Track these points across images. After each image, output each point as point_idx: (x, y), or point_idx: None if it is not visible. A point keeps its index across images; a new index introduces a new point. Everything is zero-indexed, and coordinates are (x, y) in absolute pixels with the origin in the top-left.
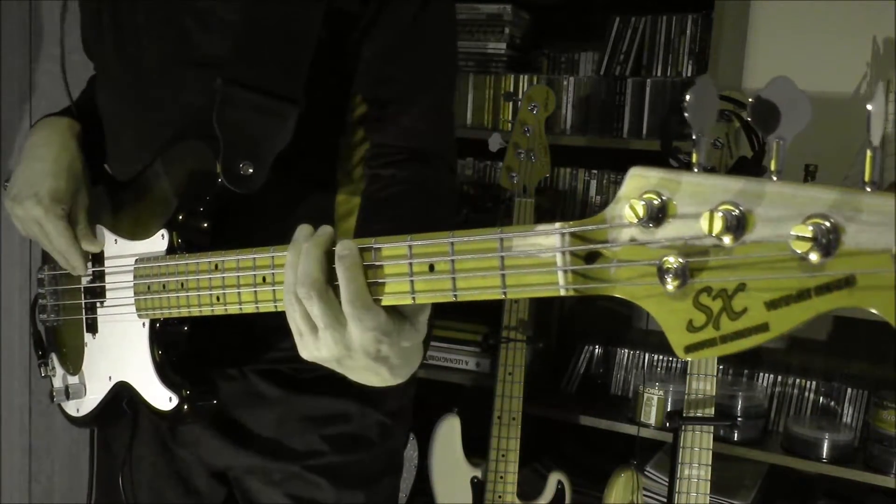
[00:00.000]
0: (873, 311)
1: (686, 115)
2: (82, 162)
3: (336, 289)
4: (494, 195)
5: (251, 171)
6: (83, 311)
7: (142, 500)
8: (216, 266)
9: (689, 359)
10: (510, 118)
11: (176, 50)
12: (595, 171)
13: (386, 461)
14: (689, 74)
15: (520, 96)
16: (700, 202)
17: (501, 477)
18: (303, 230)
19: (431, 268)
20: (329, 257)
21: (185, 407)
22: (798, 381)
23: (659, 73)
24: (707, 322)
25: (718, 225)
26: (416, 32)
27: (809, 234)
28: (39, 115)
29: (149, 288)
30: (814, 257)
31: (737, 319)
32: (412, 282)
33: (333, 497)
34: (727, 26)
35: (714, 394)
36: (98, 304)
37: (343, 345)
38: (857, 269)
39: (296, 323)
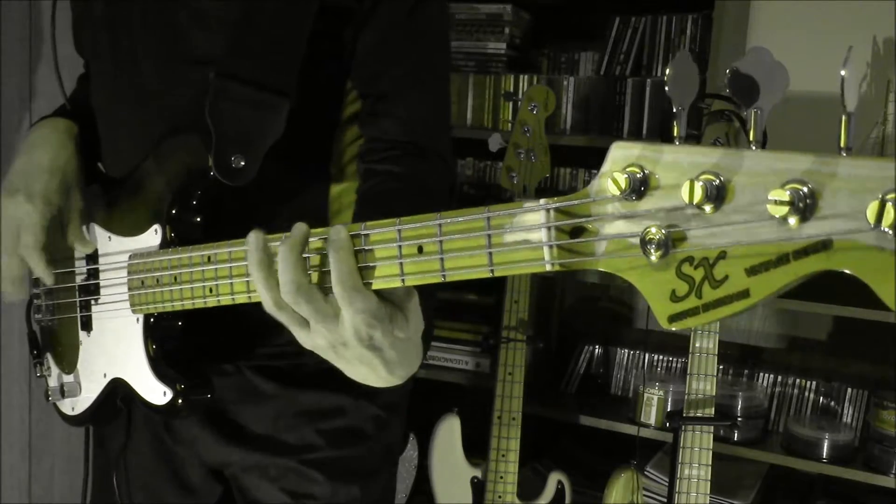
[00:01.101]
0: (848, 271)
1: (666, 88)
2: (78, 162)
3: (321, 277)
4: (494, 195)
5: (243, 163)
6: (77, 309)
7: (137, 498)
8: (209, 258)
9: (674, 328)
10: (510, 118)
11: (170, 46)
12: (595, 171)
13: (382, 455)
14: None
15: (520, 96)
16: (681, 173)
17: (501, 477)
18: (256, 238)
19: (420, 249)
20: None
21: (180, 401)
22: (798, 381)
23: (659, 73)
24: (690, 291)
25: (699, 194)
26: (410, 27)
27: (787, 199)
28: (39, 116)
29: (142, 283)
30: (792, 221)
31: (718, 287)
32: (401, 264)
33: (329, 491)
34: (727, 26)
35: (714, 394)
36: (92, 302)
37: (337, 333)
38: (834, 231)
39: (285, 321)
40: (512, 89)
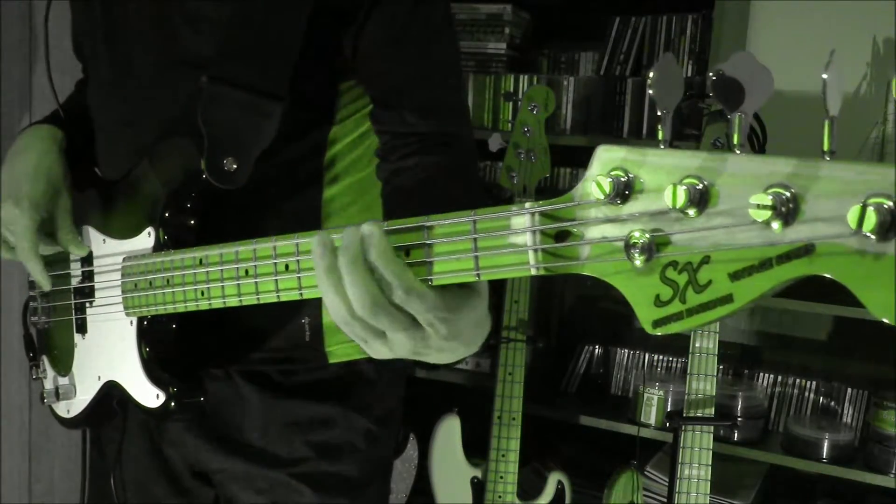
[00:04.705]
0: (829, 276)
1: (650, 91)
2: (63, 167)
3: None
4: (494, 195)
5: (235, 167)
6: (73, 311)
7: (132, 499)
8: (200, 261)
9: (658, 333)
10: (510, 118)
11: (164, 49)
12: None
13: (372, 469)
14: (689, 74)
15: (520, 96)
16: (664, 177)
17: (501, 477)
18: (323, 240)
19: (407, 253)
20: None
21: (173, 404)
22: (798, 381)
23: None
24: (674, 296)
25: (682, 198)
26: (416, 15)
27: (769, 203)
28: (40, 116)
29: (136, 286)
30: (775, 226)
31: (702, 292)
32: None
33: None
34: (727, 26)
35: (714, 394)
36: (87, 305)
37: (419, 336)
38: (816, 236)
39: (357, 336)
40: (512, 89)
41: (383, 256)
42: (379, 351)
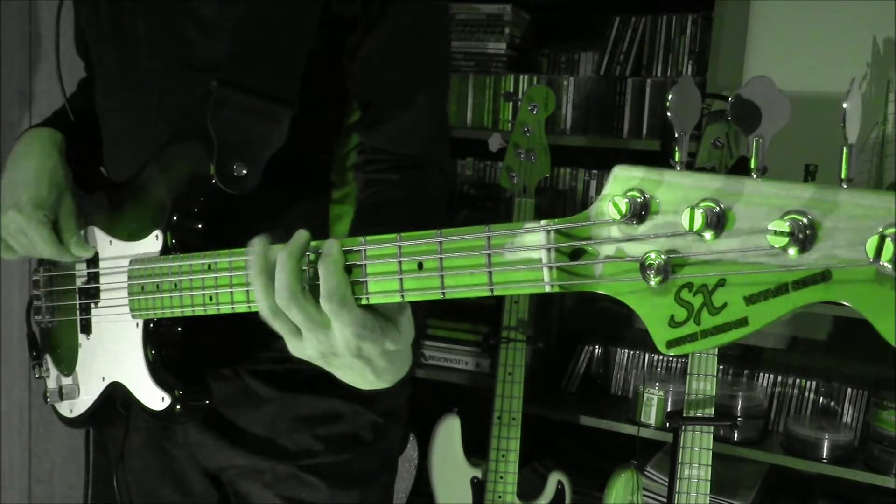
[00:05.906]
0: (847, 304)
1: (668, 114)
2: (65, 169)
3: (315, 289)
4: (494, 195)
5: (244, 172)
6: (77, 312)
7: (136, 500)
8: (209, 266)
9: (672, 354)
10: (510, 118)
11: (173, 53)
12: (595, 171)
13: (380, 461)
14: (689, 74)
15: (520, 96)
16: (681, 199)
17: (501, 477)
18: (259, 245)
19: (420, 266)
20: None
21: (178, 407)
22: (798, 381)
23: (659, 73)
24: (688, 317)
25: (699, 221)
26: (413, 37)
27: (787, 229)
28: (39, 116)
29: (143, 288)
30: (791, 252)
31: (717, 314)
32: (401, 280)
33: (327, 497)
34: (727, 26)
35: (714, 394)
36: (92, 305)
37: (328, 343)
38: (833, 263)
39: (279, 328)
40: (512, 89)
41: (329, 260)
42: (295, 347)
